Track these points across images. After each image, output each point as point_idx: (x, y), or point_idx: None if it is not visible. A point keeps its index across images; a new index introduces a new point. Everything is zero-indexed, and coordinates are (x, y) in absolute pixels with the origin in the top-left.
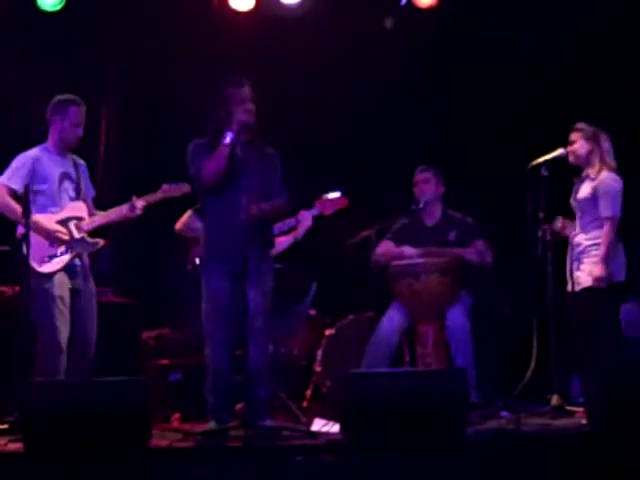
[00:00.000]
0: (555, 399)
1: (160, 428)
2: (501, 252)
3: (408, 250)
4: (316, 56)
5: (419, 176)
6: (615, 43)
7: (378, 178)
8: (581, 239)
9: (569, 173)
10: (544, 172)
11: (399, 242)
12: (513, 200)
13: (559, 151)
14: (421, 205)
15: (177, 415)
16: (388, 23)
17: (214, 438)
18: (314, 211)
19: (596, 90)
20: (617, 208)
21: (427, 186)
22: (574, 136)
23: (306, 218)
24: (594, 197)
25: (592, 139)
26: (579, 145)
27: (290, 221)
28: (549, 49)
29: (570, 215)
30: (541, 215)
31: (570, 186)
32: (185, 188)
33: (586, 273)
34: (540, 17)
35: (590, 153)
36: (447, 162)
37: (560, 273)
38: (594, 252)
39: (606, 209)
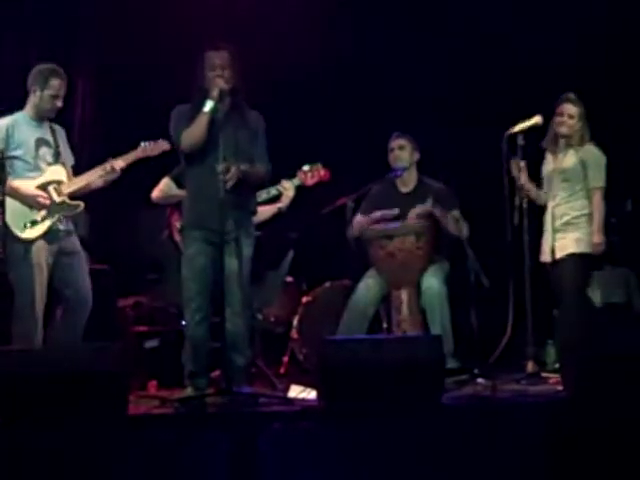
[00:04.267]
0: (530, 366)
1: (137, 395)
2: (478, 220)
3: (377, 213)
4: (292, 23)
5: (394, 142)
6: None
7: (356, 147)
8: (566, 209)
9: (538, 141)
10: (521, 141)
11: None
12: (490, 168)
13: (536, 119)
14: (399, 172)
15: (154, 382)
16: None
17: (191, 405)
18: (296, 181)
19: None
20: (605, 178)
21: (402, 153)
22: (572, 110)
23: (289, 188)
24: (582, 167)
25: (584, 115)
26: (576, 120)
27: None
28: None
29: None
30: (518, 184)
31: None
32: (164, 145)
33: (574, 241)
34: None
35: (578, 130)
36: (423, 129)
37: (537, 240)
38: (583, 222)
39: (596, 179)
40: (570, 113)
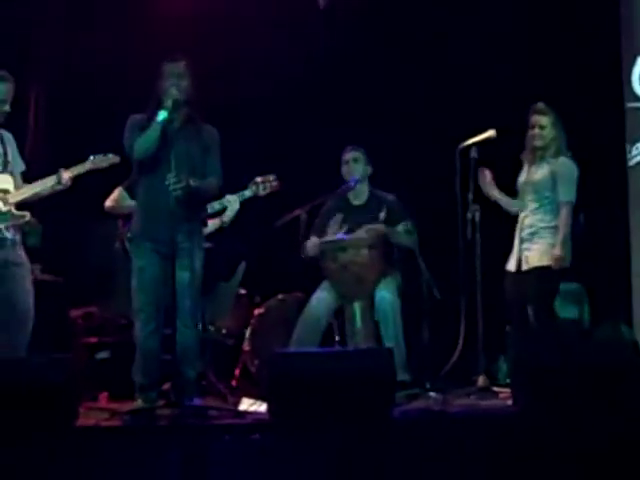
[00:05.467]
0: (482, 380)
1: (87, 407)
2: (430, 233)
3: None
4: (245, 35)
5: (348, 155)
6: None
7: (307, 160)
8: (534, 220)
9: (497, 155)
10: (474, 154)
11: (324, 229)
12: (442, 182)
13: (489, 132)
14: (352, 184)
15: (104, 394)
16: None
17: (141, 417)
18: (248, 192)
19: (529, 68)
20: (575, 193)
21: (356, 165)
22: (543, 120)
23: (233, 202)
24: (552, 180)
25: (556, 125)
26: (548, 130)
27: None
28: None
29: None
30: (470, 196)
31: (499, 169)
32: (113, 159)
33: (539, 253)
34: None
35: (553, 139)
36: (374, 142)
37: (490, 255)
38: (548, 234)
39: (565, 193)
40: (541, 124)
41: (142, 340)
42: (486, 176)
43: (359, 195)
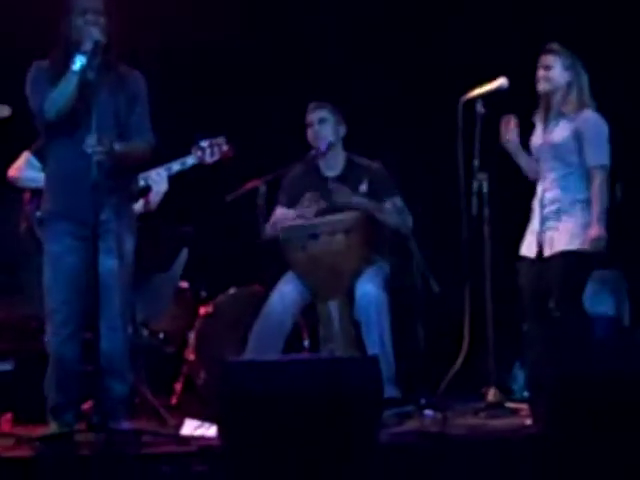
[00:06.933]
0: (492, 393)
1: None
2: (425, 210)
3: (304, 211)
4: None
5: (313, 115)
6: None
7: (267, 121)
8: (558, 194)
9: (510, 110)
10: (480, 109)
11: (295, 203)
12: (439, 144)
13: (499, 81)
14: (321, 150)
15: (8, 415)
16: None
17: (55, 444)
18: (191, 159)
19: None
20: (608, 155)
21: (324, 127)
22: (550, 59)
23: (160, 180)
24: (577, 141)
25: (572, 68)
26: (558, 72)
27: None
28: None
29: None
30: (476, 163)
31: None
32: (4, 111)
33: (568, 234)
34: None
35: (569, 85)
36: (348, 95)
37: (501, 235)
38: (578, 210)
39: (596, 156)
40: (547, 64)
41: (56, 347)
42: (510, 124)
43: (332, 164)
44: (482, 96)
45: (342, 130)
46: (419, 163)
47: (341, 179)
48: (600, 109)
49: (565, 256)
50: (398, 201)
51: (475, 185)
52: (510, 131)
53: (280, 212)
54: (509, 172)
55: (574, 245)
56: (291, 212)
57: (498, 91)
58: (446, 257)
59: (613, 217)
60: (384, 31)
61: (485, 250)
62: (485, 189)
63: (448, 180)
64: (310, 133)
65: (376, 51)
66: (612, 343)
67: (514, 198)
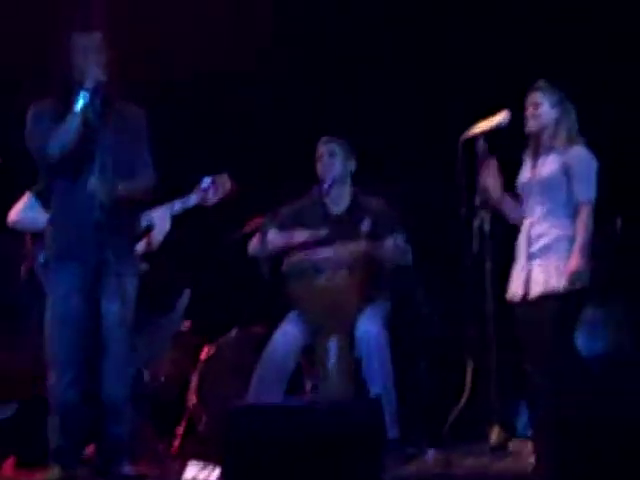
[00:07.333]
0: (496, 433)
1: None
2: (427, 248)
3: (299, 233)
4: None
5: (323, 148)
6: None
7: (272, 156)
8: (545, 229)
9: (509, 147)
10: (482, 146)
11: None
12: (442, 181)
13: (501, 116)
14: (327, 185)
15: (11, 460)
16: None
17: None
18: (193, 198)
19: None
20: (595, 190)
21: (333, 161)
22: (537, 97)
23: (163, 220)
24: (565, 175)
25: (560, 105)
26: (545, 109)
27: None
28: None
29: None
30: (477, 200)
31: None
32: None
33: (556, 271)
34: None
35: (557, 122)
36: (357, 131)
37: (504, 273)
38: (566, 246)
39: (583, 191)
40: (535, 101)
41: (59, 392)
42: (490, 168)
43: (338, 200)
44: (483, 133)
45: (351, 165)
46: (422, 201)
47: (345, 216)
48: (592, 144)
49: (547, 298)
50: (400, 238)
51: (477, 223)
52: (490, 176)
53: (274, 233)
54: None
55: (559, 285)
56: (285, 235)
57: (499, 127)
58: (448, 295)
59: (613, 252)
60: (384, 66)
61: (487, 287)
62: (487, 227)
63: (450, 218)
64: (319, 166)
65: (378, 86)
66: (609, 383)
67: (515, 236)
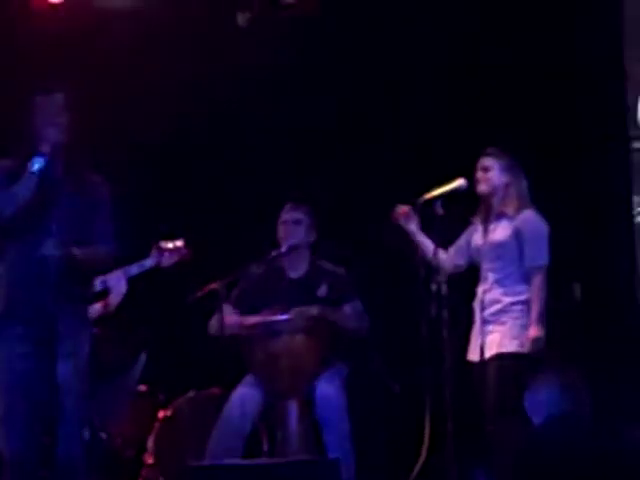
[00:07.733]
0: None
1: None
2: (384, 313)
3: (253, 317)
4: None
5: (289, 214)
6: None
7: (228, 219)
8: (498, 294)
9: (465, 211)
10: (439, 209)
11: (246, 307)
12: (398, 246)
13: (458, 182)
14: (283, 249)
15: None
16: (241, 19)
17: None
18: (149, 261)
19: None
20: (547, 255)
21: (297, 228)
22: (488, 162)
23: (119, 282)
24: (517, 240)
25: (510, 170)
26: (496, 174)
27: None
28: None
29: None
30: (434, 263)
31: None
32: None
33: (509, 336)
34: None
35: (507, 186)
36: (313, 197)
37: (461, 337)
38: (519, 311)
39: (535, 256)
40: (485, 165)
41: (11, 452)
42: (401, 211)
43: (297, 265)
44: (440, 197)
45: (312, 235)
46: (379, 265)
47: (302, 281)
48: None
49: (501, 358)
50: (357, 305)
51: (434, 287)
52: (406, 215)
53: (229, 312)
54: (467, 277)
55: (512, 347)
56: (238, 319)
57: (456, 191)
58: (406, 358)
59: (572, 318)
60: (340, 139)
61: (444, 351)
62: (444, 291)
63: (407, 282)
64: (282, 230)
65: (336, 155)
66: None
67: (472, 300)
